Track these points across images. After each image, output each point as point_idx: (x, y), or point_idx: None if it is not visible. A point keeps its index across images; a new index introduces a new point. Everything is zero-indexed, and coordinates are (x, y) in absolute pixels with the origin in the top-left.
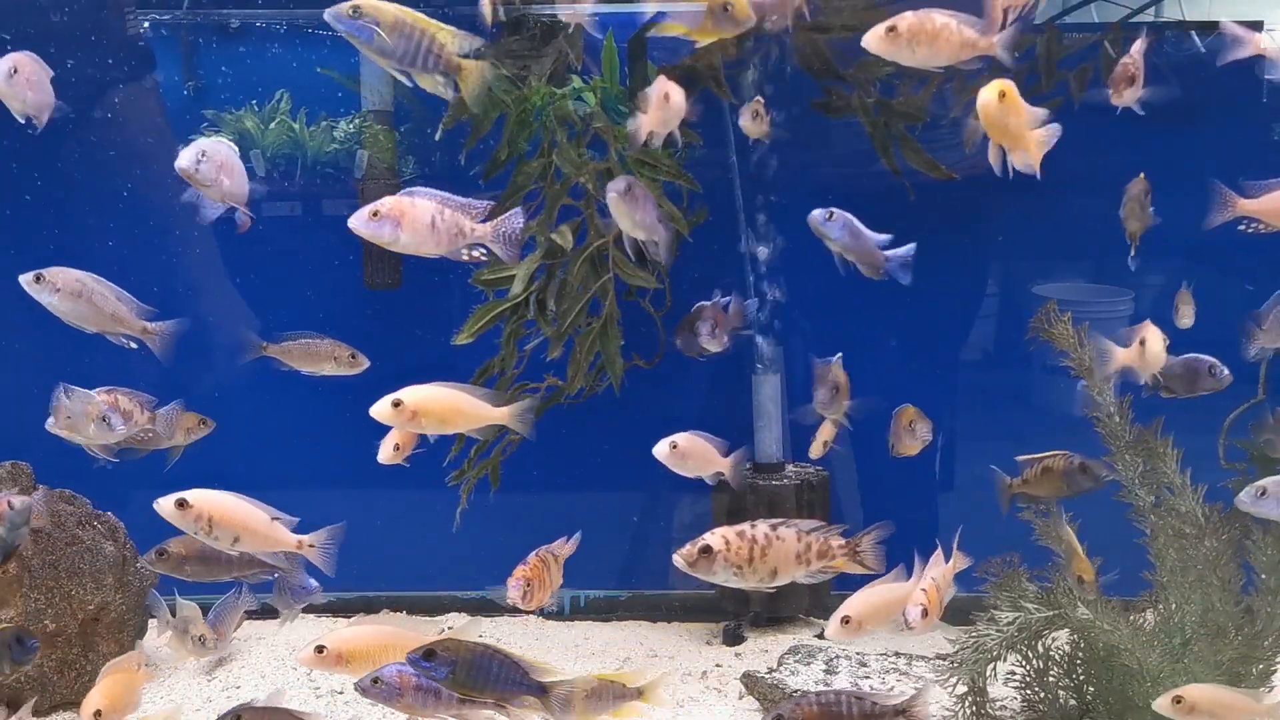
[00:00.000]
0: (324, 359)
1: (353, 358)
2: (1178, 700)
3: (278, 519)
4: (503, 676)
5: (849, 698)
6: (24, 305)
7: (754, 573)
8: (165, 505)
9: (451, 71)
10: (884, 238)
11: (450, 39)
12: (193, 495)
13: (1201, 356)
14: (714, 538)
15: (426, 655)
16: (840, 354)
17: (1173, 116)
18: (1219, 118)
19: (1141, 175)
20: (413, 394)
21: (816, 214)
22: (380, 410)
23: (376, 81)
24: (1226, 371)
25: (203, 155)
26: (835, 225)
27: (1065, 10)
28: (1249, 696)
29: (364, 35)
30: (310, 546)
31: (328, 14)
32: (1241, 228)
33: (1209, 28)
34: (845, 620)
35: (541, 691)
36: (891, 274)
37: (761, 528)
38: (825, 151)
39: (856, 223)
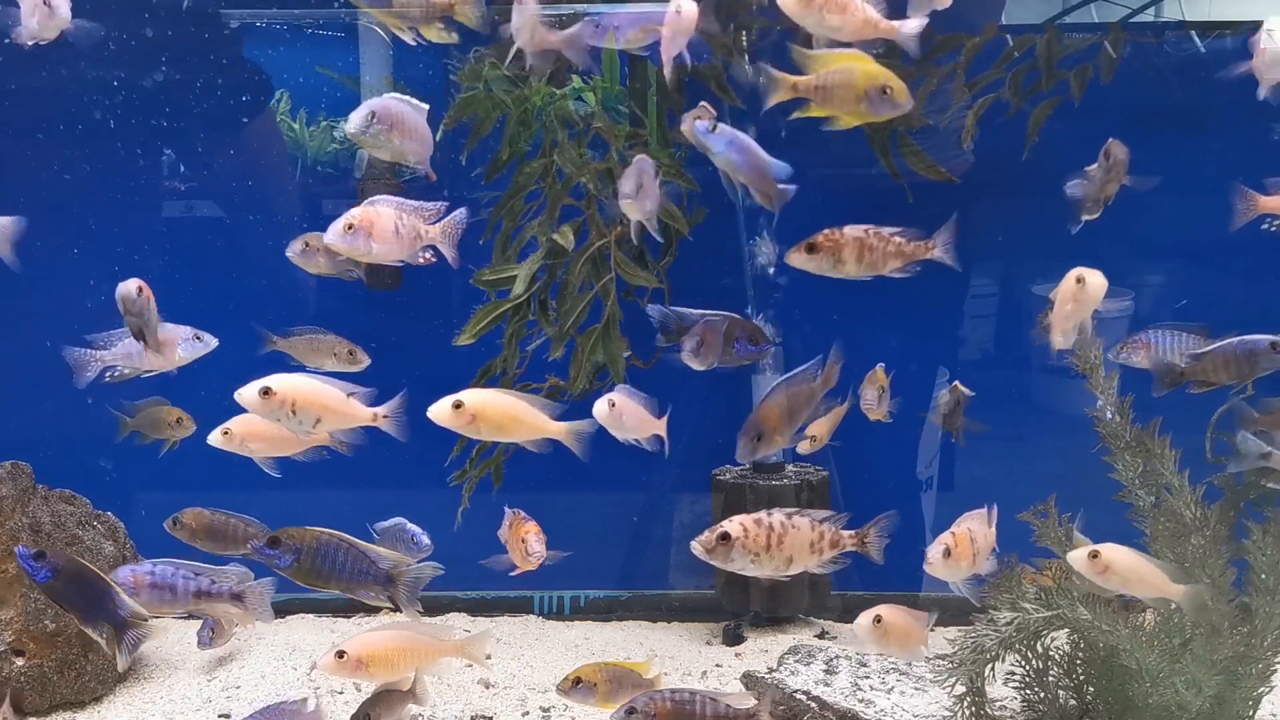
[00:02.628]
0: (325, 354)
1: (350, 354)
2: (1094, 555)
3: (354, 394)
4: (349, 566)
5: (703, 698)
6: (24, 306)
7: (770, 560)
8: (248, 394)
9: (446, 11)
10: (785, 167)
11: None
12: (274, 381)
13: (1252, 336)
14: (732, 525)
15: (271, 543)
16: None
17: (1173, 117)
18: (1219, 118)
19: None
20: (474, 397)
21: (699, 125)
22: (439, 411)
23: (376, 81)
24: None
25: (372, 117)
26: (720, 139)
27: (1065, 10)
28: (1165, 575)
29: None
30: (384, 417)
31: None
32: (1265, 226)
33: (1209, 28)
34: (878, 619)
35: (388, 581)
36: (775, 206)
37: (778, 516)
38: (824, 152)
39: (747, 140)
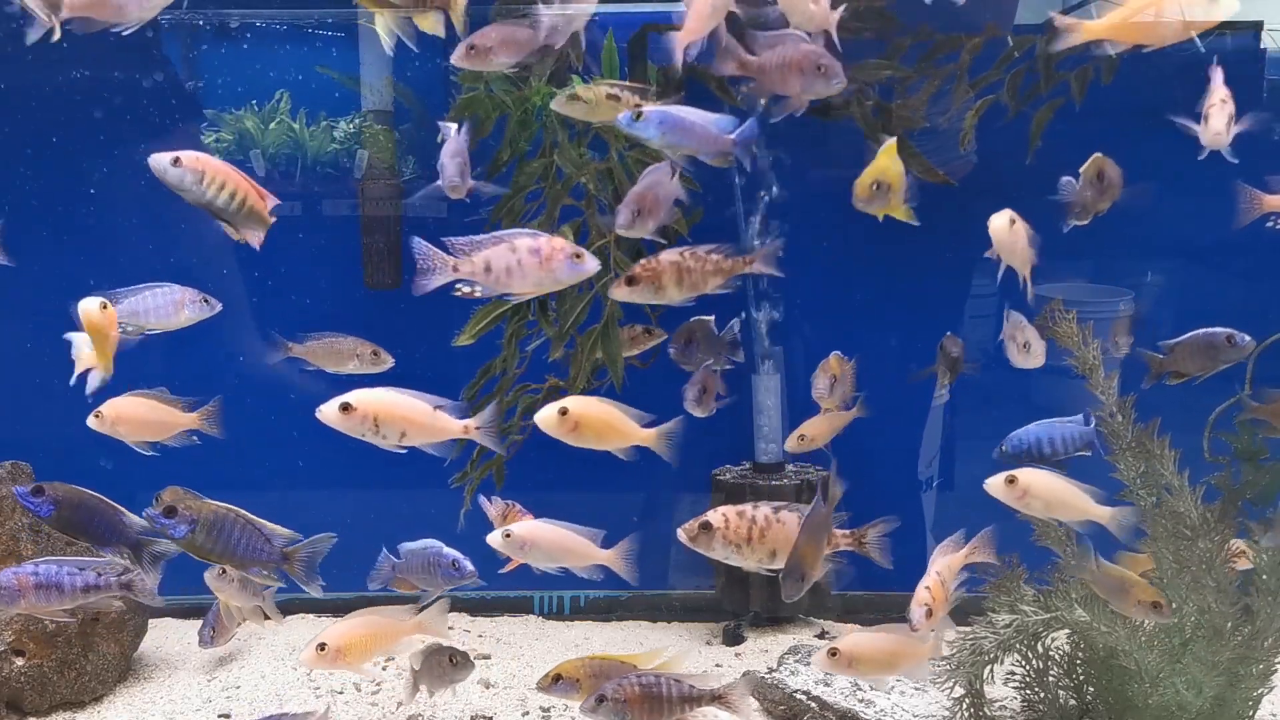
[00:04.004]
0: (347, 357)
1: (374, 355)
2: (1011, 480)
3: (440, 407)
4: (244, 542)
5: (667, 681)
6: (22, 306)
7: (753, 552)
8: (329, 411)
9: (441, 5)
10: (726, 119)
11: None
12: (355, 397)
13: (1215, 329)
14: (714, 515)
15: (167, 512)
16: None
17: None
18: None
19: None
20: (578, 405)
21: (620, 118)
22: (546, 418)
23: (376, 81)
24: (1248, 338)
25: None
26: (649, 124)
27: (1065, 10)
28: (1089, 499)
29: None
30: (477, 429)
31: None
32: (1269, 224)
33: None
34: (833, 653)
35: (283, 559)
36: (739, 156)
37: (764, 509)
38: (823, 152)
39: (677, 113)
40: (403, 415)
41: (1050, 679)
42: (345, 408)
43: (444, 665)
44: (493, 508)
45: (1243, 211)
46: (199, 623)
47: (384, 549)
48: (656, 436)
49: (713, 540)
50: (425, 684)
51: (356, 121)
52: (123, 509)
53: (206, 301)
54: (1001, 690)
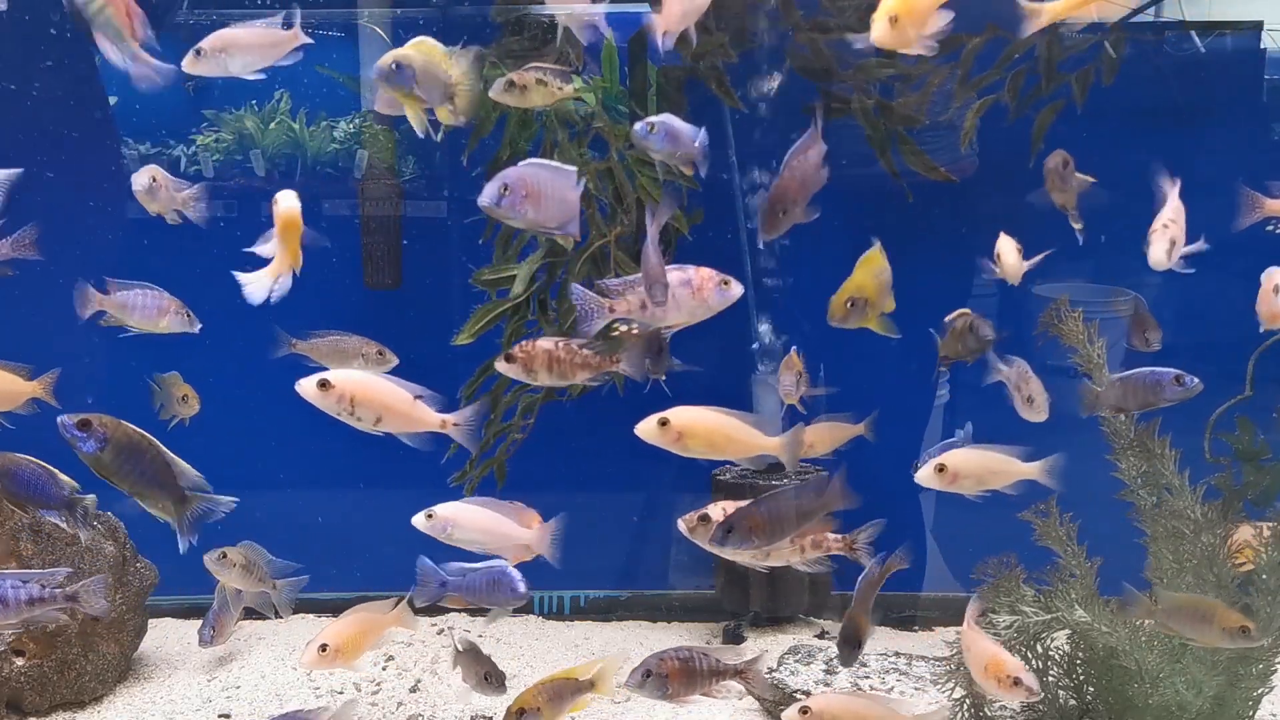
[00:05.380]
0: (352, 356)
1: (380, 354)
2: (940, 468)
3: (421, 398)
4: (150, 473)
5: (700, 653)
6: (22, 307)
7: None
8: (307, 386)
9: (452, 95)
10: (693, 129)
11: (448, 62)
12: (334, 375)
13: (1163, 369)
14: (714, 508)
15: (81, 425)
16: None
17: (1173, 117)
18: (1219, 118)
19: (1059, 151)
20: (681, 416)
21: (638, 127)
22: (646, 429)
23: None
24: (1196, 380)
25: (505, 189)
26: (658, 137)
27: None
28: (1015, 460)
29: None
30: (455, 425)
31: (375, 72)
32: (1270, 228)
33: (1209, 28)
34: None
35: (181, 499)
36: (697, 163)
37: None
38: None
39: (675, 124)
40: (380, 400)
41: (1050, 679)
42: (324, 384)
43: (479, 679)
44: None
45: (1243, 215)
46: (199, 622)
47: (423, 559)
48: (780, 444)
49: (710, 532)
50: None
51: (356, 121)
52: (175, 458)
53: (189, 316)
54: None
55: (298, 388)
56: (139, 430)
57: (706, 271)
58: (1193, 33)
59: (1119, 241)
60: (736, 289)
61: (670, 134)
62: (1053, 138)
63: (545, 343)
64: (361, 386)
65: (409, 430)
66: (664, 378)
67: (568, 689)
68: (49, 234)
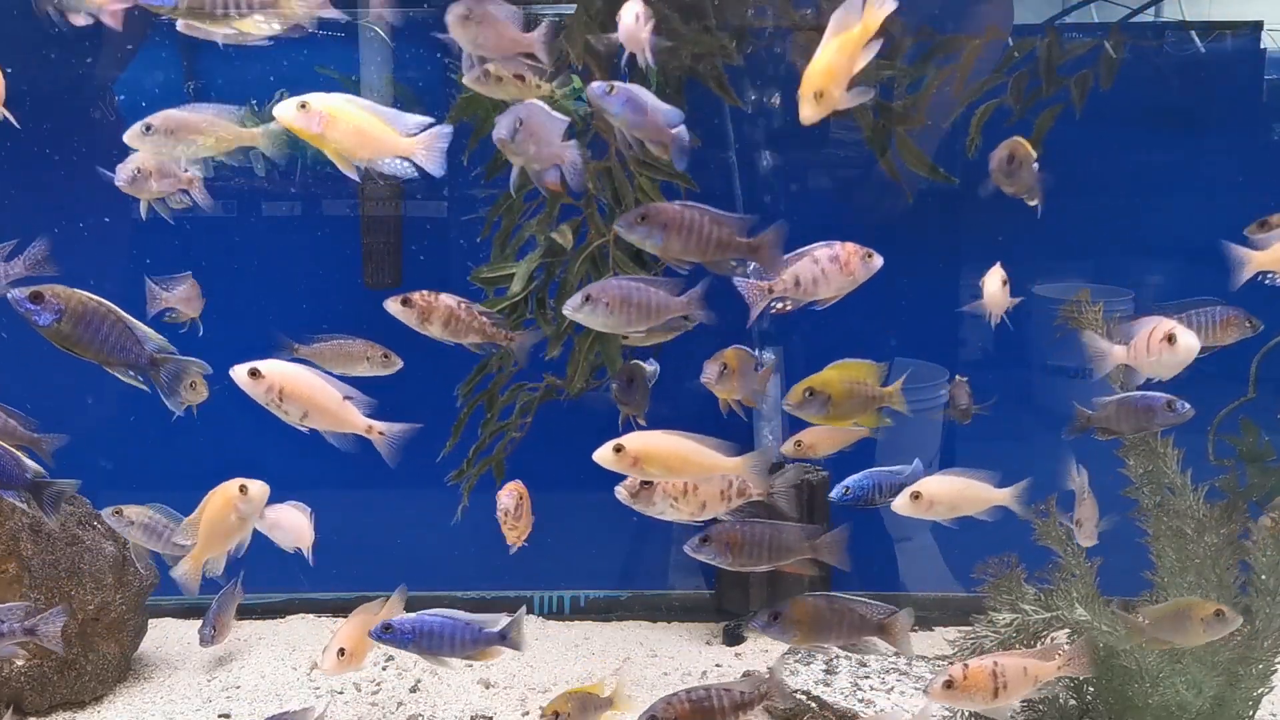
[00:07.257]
0: (357, 360)
1: (385, 357)
2: (916, 496)
3: (350, 399)
4: (112, 340)
5: (717, 691)
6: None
7: (687, 504)
8: (239, 372)
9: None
10: (676, 112)
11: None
12: (265, 365)
13: (1155, 394)
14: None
15: (33, 297)
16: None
17: (1173, 118)
18: (1219, 119)
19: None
20: (635, 441)
21: (595, 87)
22: (603, 455)
23: (376, 81)
24: (1187, 406)
25: (519, 124)
26: (616, 100)
27: (1065, 10)
28: (986, 487)
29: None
30: (380, 434)
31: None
32: (1263, 280)
33: (1209, 28)
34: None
35: (150, 364)
36: (674, 153)
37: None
38: (822, 151)
39: (643, 96)
40: (307, 395)
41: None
42: (254, 373)
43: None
44: (507, 497)
45: (1235, 273)
46: (199, 622)
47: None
48: (743, 464)
49: (654, 496)
50: None
51: None
52: (136, 323)
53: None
54: None
55: (231, 373)
56: (95, 297)
57: (850, 246)
58: (1193, 33)
59: (1119, 241)
60: (878, 260)
61: (633, 103)
62: (1053, 136)
63: (449, 298)
64: (291, 380)
65: (333, 429)
66: (644, 422)
67: (591, 704)
68: (49, 233)
